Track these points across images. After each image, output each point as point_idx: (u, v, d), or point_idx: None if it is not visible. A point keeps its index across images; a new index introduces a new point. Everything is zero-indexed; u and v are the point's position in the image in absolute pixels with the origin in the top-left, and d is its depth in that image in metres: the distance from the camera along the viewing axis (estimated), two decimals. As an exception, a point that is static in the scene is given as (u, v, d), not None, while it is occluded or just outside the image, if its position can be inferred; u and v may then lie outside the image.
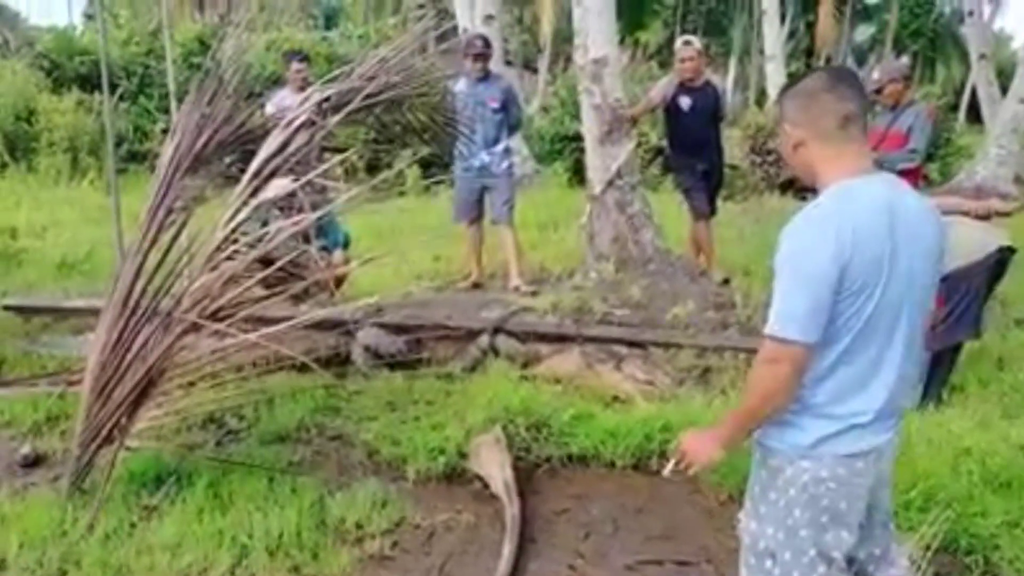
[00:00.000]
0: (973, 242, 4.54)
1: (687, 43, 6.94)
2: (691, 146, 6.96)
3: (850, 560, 2.19)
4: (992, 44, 19.47)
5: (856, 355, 2.02)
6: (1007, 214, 4.74)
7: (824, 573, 2.10)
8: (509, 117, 6.80)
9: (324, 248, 6.08)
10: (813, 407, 2.06)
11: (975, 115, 20.23)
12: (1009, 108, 14.54)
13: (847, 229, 1.94)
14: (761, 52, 17.88)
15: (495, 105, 6.68)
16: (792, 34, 30.90)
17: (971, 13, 16.44)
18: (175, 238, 3.84)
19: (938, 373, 4.66)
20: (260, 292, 3.81)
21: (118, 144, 11.79)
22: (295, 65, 7.30)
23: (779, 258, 2.01)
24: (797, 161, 2.13)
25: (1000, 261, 4.66)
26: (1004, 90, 15.37)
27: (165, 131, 10.98)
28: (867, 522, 2.19)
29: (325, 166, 4.27)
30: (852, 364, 2.02)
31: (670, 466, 2.27)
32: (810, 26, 32.89)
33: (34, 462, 4.17)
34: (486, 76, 6.80)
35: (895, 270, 1.98)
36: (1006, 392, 4.81)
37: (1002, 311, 6.37)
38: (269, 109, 6.44)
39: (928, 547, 3.12)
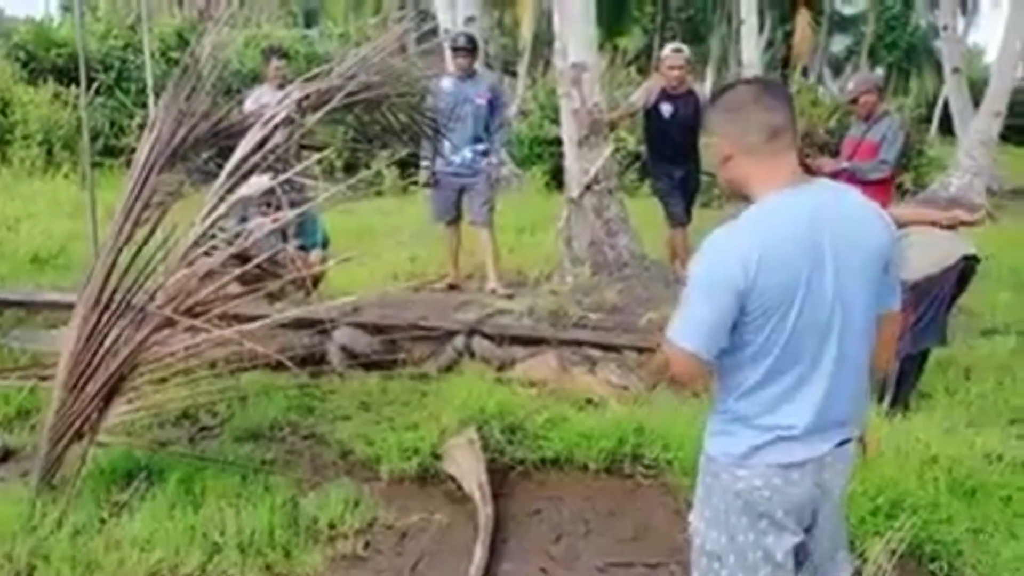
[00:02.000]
0: (940, 251, 4.61)
1: (677, 51, 6.97)
2: (670, 153, 7.02)
3: (799, 561, 2.20)
4: (965, 58, 19.74)
5: (784, 370, 2.02)
6: (972, 224, 4.81)
7: (769, 574, 2.12)
8: (495, 114, 6.81)
9: (302, 247, 6.07)
10: (743, 418, 2.08)
11: (948, 127, 20.48)
12: (981, 121, 14.78)
13: (755, 250, 1.93)
14: (739, 61, 18.01)
15: (481, 102, 6.69)
16: (770, 44, 31.16)
17: (945, 27, 16.68)
18: (150, 233, 3.81)
19: (906, 380, 4.72)
20: (236, 289, 3.80)
21: (94, 138, 11.68)
22: (274, 62, 7.30)
23: (691, 269, 2.04)
24: (726, 174, 2.12)
25: (964, 270, 4.73)
26: (976, 103, 15.60)
27: (142, 126, 10.89)
28: (812, 531, 2.20)
29: (303, 164, 4.26)
30: (780, 378, 2.03)
31: None
32: (788, 36, 33.16)
33: (4, 456, 4.13)
34: (472, 74, 6.80)
35: (819, 286, 1.97)
36: (972, 401, 4.89)
37: (968, 322, 6.46)
38: (248, 105, 6.41)
39: (894, 553, 3.17)
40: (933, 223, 4.70)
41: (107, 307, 3.66)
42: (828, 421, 2.08)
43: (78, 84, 7.00)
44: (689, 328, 2.04)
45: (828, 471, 2.12)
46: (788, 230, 1.97)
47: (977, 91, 16.63)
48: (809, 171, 2.24)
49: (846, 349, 2.04)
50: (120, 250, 3.76)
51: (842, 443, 2.14)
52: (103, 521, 3.47)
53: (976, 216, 4.76)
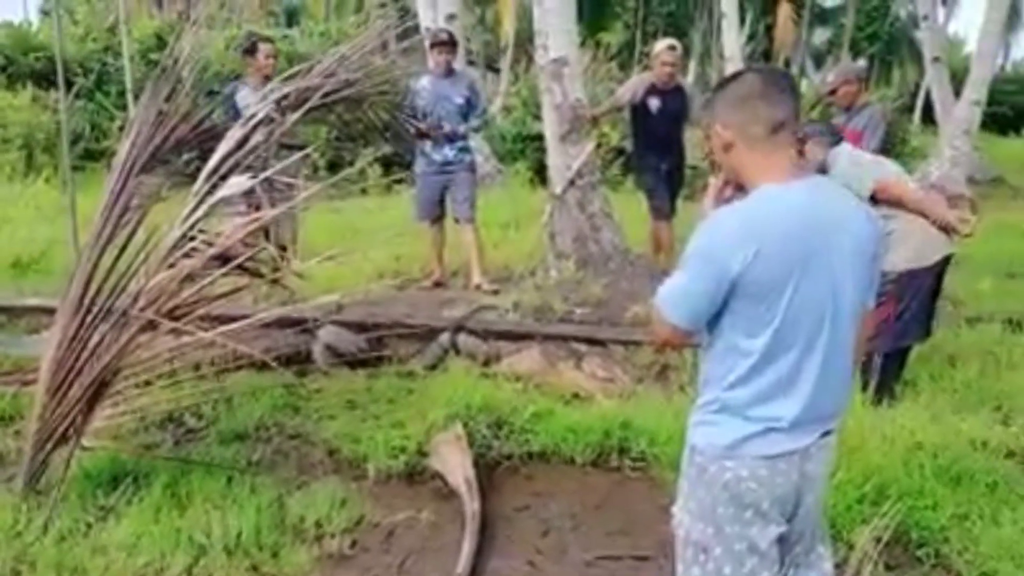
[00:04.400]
0: (926, 246, 4.61)
1: (672, 47, 6.96)
2: (656, 147, 7.03)
3: (783, 548, 2.22)
4: (946, 48, 19.85)
5: (775, 360, 2.03)
6: (967, 235, 4.76)
7: (755, 564, 2.13)
8: (474, 113, 6.81)
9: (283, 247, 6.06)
10: (732, 408, 2.09)
11: (929, 116, 20.58)
12: (962, 110, 14.85)
13: (753, 239, 1.96)
14: (721, 55, 18.06)
15: (460, 101, 6.68)
16: (751, 37, 31.27)
17: (926, 17, 16.75)
18: (131, 236, 3.79)
19: (889, 371, 4.74)
20: (218, 290, 3.78)
21: (74, 141, 11.63)
22: (264, 47, 6.74)
23: (687, 248, 2.07)
24: (726, 162, 2.15)
25: (943, 267, 4.76)
26: (957, 93, 15.68)
27: (122, 128, 10.83)
28: (794, 521, 2.21)
29: (285, 163, 4.25)
30: (769, 369, 2.04)
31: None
32: (769, 29, 33.29)
33: (-13, 462, 4.10)
34: (450, 72, 6.80)
35: (811, 278, 1.99)
36: (957, 388, 4.91)
37: (954, 310, 6.50)
38: (243, 95, 6.31)
39: (880, 540, 3.18)
40: (924, 214, 4.63)
41: (89, 311, 3.64)
42: (815, 413, 2.09)
43: (57, 88, 6.94)
44: (676, 297, 2.08)
45: (811, 462, 2.13)
46: (785, 223, 2.00)
47: (958, 80, 16.73)
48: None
49: (834, 342, 2.06)
50: (101, 253, 3.74)
51: (825, 434, 2.15)
52: (89, 526, 3.45)
53: (970, 228, 4.70)
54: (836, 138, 4.79)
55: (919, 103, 26.75)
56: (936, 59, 16.41)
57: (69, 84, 11.30)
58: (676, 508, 2.28)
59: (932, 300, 4.81)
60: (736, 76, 2.20)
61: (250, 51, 6.82)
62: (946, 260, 4.71)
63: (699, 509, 2.18)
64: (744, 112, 2.07)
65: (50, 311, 3.94)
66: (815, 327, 2.03)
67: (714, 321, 2.09)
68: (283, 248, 6.12)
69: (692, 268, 2.05)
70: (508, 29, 25.99)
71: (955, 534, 3.43)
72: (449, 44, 6.76)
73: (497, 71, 26.00)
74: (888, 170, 4.73)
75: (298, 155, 4.72)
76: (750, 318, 2.02)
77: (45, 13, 21.87)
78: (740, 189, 2.15)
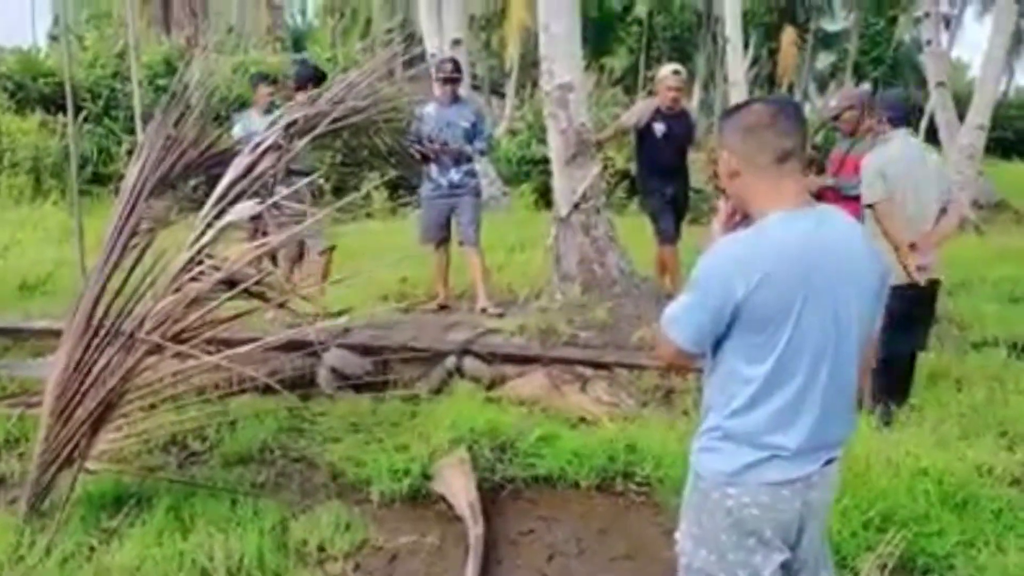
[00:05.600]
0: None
1: (676, 72, 7.00)
2: (661, 171, 7.05)
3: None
4: (950, 72, 19.91)
5: (778, 388, 2.04)
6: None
7: None
8: (478, 138, 6.85)
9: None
10: (735, 436, 2.09)
11: (933, 141, 20.61)
12: (966, 135, 14.88)
13: (758, 266, 1.97)
14: (725, 79, 18.14)
15: (465, 125, 6.74)
16: (755, 61, 31.40)
17: (929, 42, 16.80)
18: (138, 259, 3.82)
19: (886, 379, 4.77)
20: (224, 314, 3.80)
21: (82, 166, 11.70)
22: (262, 88, 7.35)
23: (694, 271, 2.09)
24: (732, 189, 2.16)
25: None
26: (961, 117, 15.71)
27: (130, 153, 10.91)
28: (797, 550, 2.20)
29: (291, 188, 4.28)
30: (774, 398, 2.05)
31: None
32: (772, 53, 33.46)
33: (-8, 485, 4.11)
34: (456, 99, 6.86)
35: (815, 308, 2.00)
36: (964, 413, 4.88)
37: (960, 334, 6.49)
38: (237, 132, 6.45)
39: (885, 566, 3.17)
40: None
41: (95, 334, 3.66)
42: (819, 442, 2.09)
43: (66, 112, 7.01)
44: (681, 319, 2.10)
45: (815, 490, 2.13)
46: (791, 251, 2.01)
47: (962, 105, 16.75)
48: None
49: (837, 372, 2.07)
50: (109, 277, 3.76)
51: (828, 462, 2.15)
52: (92, 548, 3.45)
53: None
54: (901, 114, 4.96)
55: (923, 127, 26.81)
56: (940, 84, 16.45)
57: (78, 109, 11.38)
58: (679, 534, 2.28)
59: (916, 322, 4.87)
60: (744, 105, 2.22)
61: (254, 85, 7.68)
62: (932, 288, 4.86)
63: (702, 535, 2.18)
64: (752, 141, 2.09)
65: (56, 333, 3.95)
66: (818, 356, 2.04)
67: (717, 347, 2.10)
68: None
69: (697, 292, 2.07)
70: (513, 53, 26.21)
71: (960, 561, 3.40)
72: (455, 78, 6.84)
73: (502, 95, 26.16)
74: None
75: (305, 180, 4.74)
76: (752, 345, 2.03)
77: (54, 38, 22.06)
78: (746, 217, 2.16)
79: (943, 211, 4.85)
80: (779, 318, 2.00)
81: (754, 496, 2.08)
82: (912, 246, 4.70)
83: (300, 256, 7.01)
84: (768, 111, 2.11)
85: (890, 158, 4.82)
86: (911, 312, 4.71)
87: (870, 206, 4.79)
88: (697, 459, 2.19)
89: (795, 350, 2.01)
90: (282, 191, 4.28)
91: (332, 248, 6.87)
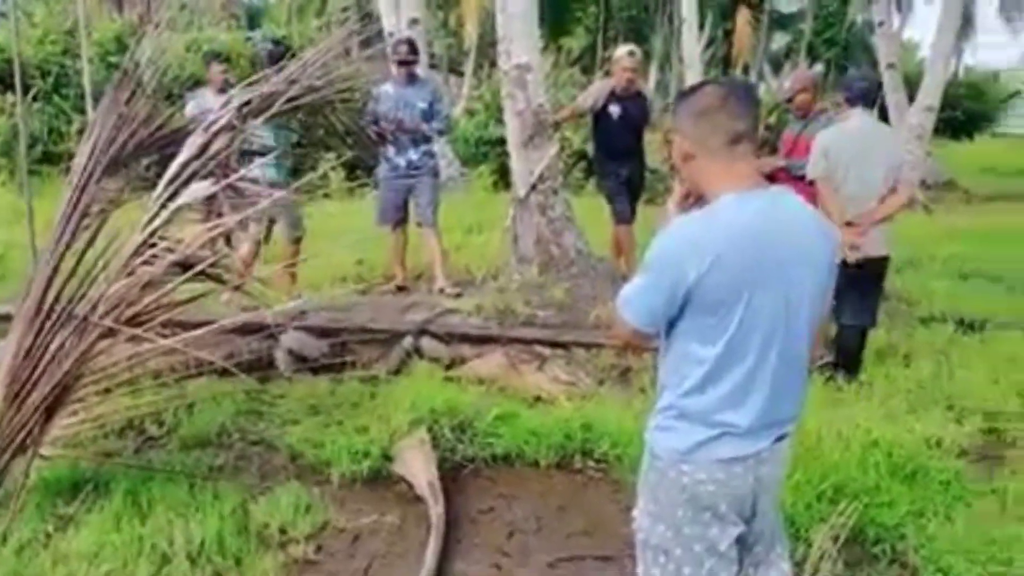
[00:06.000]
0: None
1: (631, 53, 7.02)
2: (617, 153, 7.09)
3: (742, 549, 2.27)
4: (900, 54, 20.19)
5: (729, 368, 2.08)
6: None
7: (714, 565, 2.18)
8: (436, 119, 6.83)
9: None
10: (689, 415, 2.13)
11: (883, 121, 20.91)
12: (915, 115, 15.15)
13: (710, 249, 2.00)
14: (680, 59, 18.23)
15: (423, 106, 6.71)
16: (711, 42, 31.52)
17: (881, 23, 17.03)
18: (91, 242, 3.76)
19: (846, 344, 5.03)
20: (179, 296, 3.76)
21: (32, 145, 11.46)
22: (215, 67, 7.23)
23: (648, 253, 2.12)
24: (686, 171, 2.18)
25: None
26: (911, 98, 15.98)
27: (81, 132, 10.70)
28: (752, 523, 2.25)
29: (247, 169, 4.24)
30: (725, 377, 2.08)
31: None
32: (728, 34, 33.62)
33: (-57, 473, 4.03)
34: (413, 79, 6.83)
35: (766, 289, 2.03)
36: (912, 388, 5.01)
37: (908, 309, 6.64)
38: (190, 110, 6.35)
39: (837, 538, 3.26)
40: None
41: (48, 317, 3.60)
42: (770, 419, 2.14)
43: (14, 91, 6.86)
44: (635, 300, 2.14)
45: (766, 465, 2.18)
46: (744, 234, 2.03)
47: (912, 85, 17.03)
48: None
49: (788, 352, 2.11)
50: (60, 259, 3.70)
51: (779, 439, 2.20)
52: (49, 535, 3.42)
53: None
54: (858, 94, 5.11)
55: (874, 108, 27.13)
56: (891, 65, 16.69)
57: (26, 87, 11.12)
58: (636, 511, 2.32)
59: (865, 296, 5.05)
60: (697, 87, 2.22)
61: (207, 63, 7.59)
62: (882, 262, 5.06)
63: (658, 512, 2.22)
64: (705, 124, 2.10)
65: (7, 317, 3.88)
66: (769, 336, 2.07)
67: (670, 328, 2.13)
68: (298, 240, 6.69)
69: (651, 273, 2.10)
70: (471, 32, 26.01)
71: (911, 531, 3.51)
72: (411, 60, 6.79)
73: (460, 74, 25.99)
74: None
75: (260, 161, 4.69)
76: (705, 327, 2.06)
77: (2, 15, 21.48)
78: (700, 199, 2.19)
79: (893, 190, 4.95)
80: (731, 300, 2.03)
81: (709, 472, 2.12)
82: (849, 224, 4.84)
83: (267, 238, 6.95)
84: (720, 93, 2.13)
85: (835, 137, 5.01)
86: (855, 288, 4.84)
87: (811, 183, 4.99)
88: (652, 437, 2.23)
89: (746, 331, 2.05)
90: (240, 171, 4.23)
91: (300, 239, 6.84)
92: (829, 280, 2.22)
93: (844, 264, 4.51)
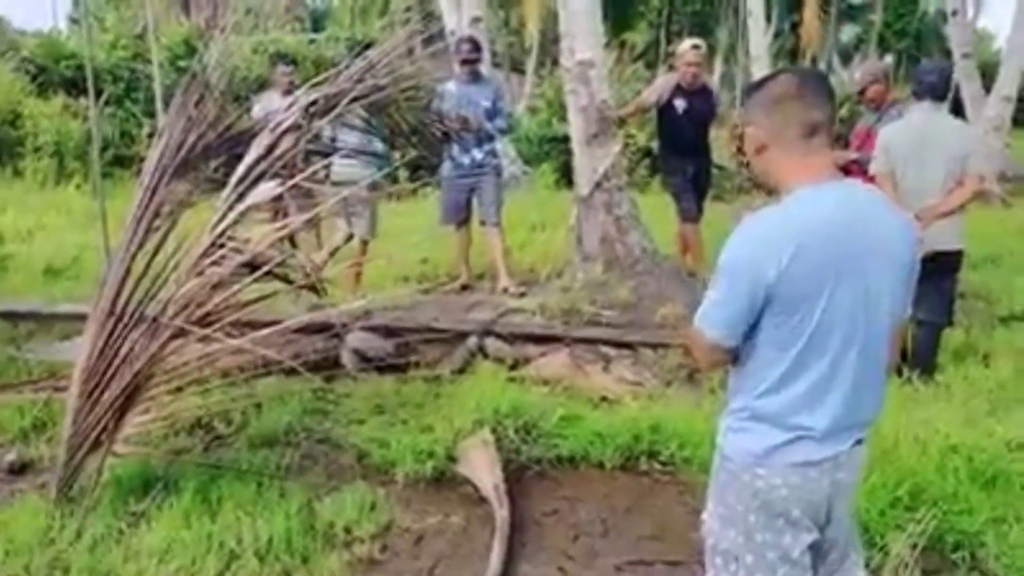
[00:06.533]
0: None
1: (696, 47, 6.93)
2: (682, 148, 7.00)
3: (816, 557, 2.19)
4: (975, 43, 19.58)
5: (806, 368, 2.00)
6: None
7: (787, 572, 2.11)
8: (499, 117, 6.81)
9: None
10: (764, 417, 2.05)
11: (959, 112, 20.28)
12: (992, 106, 14.65)
13: (789, 244, 1.92)
14: (747, 52, 17.91)
15: (486, 104, 6.70)
16: (778, 34, 30.98)
17: (955, 13, 16.49)
18: (161, 243, 3.83)
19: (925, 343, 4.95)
20: (247, 296, 3.81)
21: (104, 148, 11.76)
22: (281, 68, 7.34)
23: (720, 259, 2.03)
24: (759, 164, 2.11)
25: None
26: (987, 88, 15.46)
27: (151, 135, 10.95)
28: (826, 530, 2.18)
29: (312, 168, 4.27)
30: (802, 377, 2.01)
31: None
32: (795, 26, 32.99)
33: (21, 468, 4.15)
34: (476, 77, 6.82)
35: (846, 284, 1.96)
36: (992, 389, 4.84)
37: (987, 308, 6.41)
38: (256, 112, 6.45)
39: (915, 545, 3.15)
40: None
41: (120, 318, 3.68)
42: (848, 422, 2.06)
43: (87, 95, 7.04)
44: (712, 313, 2.05)
45: (842, 470, 2.10)
46: (822, 227, 1.95)
47: (988, 76, 16.48)
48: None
49: (868, 351, 2.03)
50: (132, 260, 3.77)
51: (857, 442, 2.12)
52: (121, 532, 3.48)
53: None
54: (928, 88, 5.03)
55: (949, 99, 26.38)
56: (966, 55, 16.15)
57: (99, 91, 11.42)
58: (706, 515, 2.26)
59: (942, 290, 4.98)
60: (771, 77, 2.15)
61: (273, 65, 7.96)
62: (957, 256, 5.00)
63: (730, 516, 2.16)
64: (779, 114, 2.03)
65: (82, 317, 3.97)
66: (848, 335, 1.99)
67: (747, 333, 2.06)
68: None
69: (725, 280, 2.02)
70: (533, 30, 26.00)
71: (991, 538, 3.37)
72: (474, 59, 6.79)
73: (522, 72, 26.01)
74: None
75: (325, 161, 4.73)
76: (782, 325, 1.99)
77: (74, 21, 22.10)
78: (770, 193, 2.12)
79: (960, 182, 4.85)
80: (812, 295, 1.95)
81: (784, 477, 2.05)
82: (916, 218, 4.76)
83: (320, 243, 7.04)
84: (795, 82, 2.06)
85: (895, 132, 4.97)
86: (927, 283, 4.70)
87: (872, 177, 4.92)
88: (725, 439, 2.16)
89: (826, 328, 1.97)
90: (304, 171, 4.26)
91: (367, 241, 6.92)
92: (910, 277, 2.13)
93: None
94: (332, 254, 6.72)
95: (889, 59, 31.11)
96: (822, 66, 30.77)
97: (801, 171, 2.02)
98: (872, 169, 4.95)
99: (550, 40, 22.56)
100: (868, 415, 2.14)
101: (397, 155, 6.49)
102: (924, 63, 5.51)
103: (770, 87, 2.09)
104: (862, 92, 5.87)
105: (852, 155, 5.74)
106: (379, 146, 5.98)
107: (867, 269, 1.99)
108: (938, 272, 4.83)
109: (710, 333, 2.06)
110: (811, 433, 2.03)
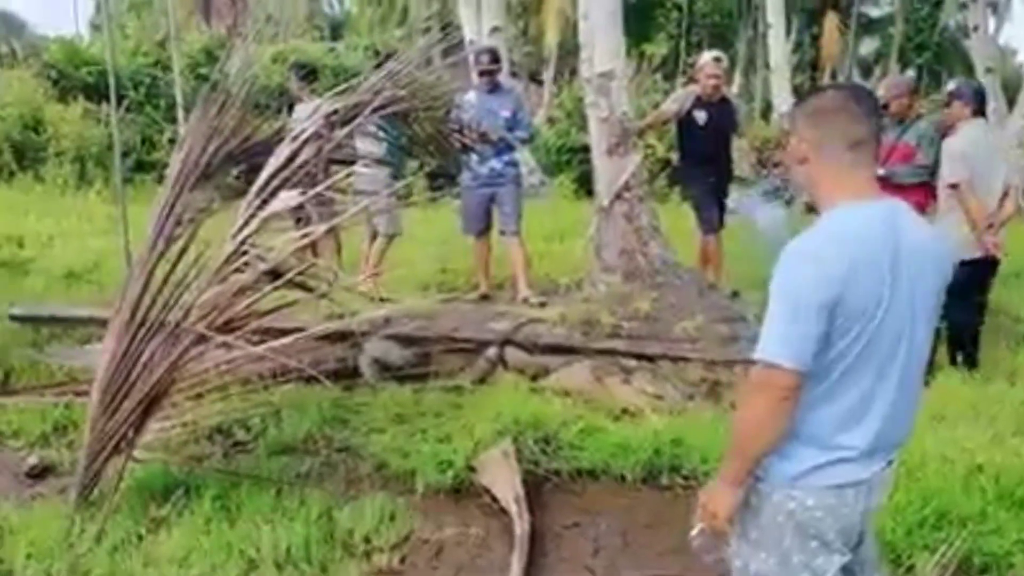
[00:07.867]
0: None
1: (716, 59, 6.91)
2: (703, 160, 6.97)
3: None
4: (997, 58, 19.47)
5: (848, 387, 1.96)
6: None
7: None
8: (519, 127, 6.81)
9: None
10: (801, 437, 2.00)
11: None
12: (1016, 122, 14.54)
13: (842, 262, 1.87)
14: (766, 65, 17.89)
15: (506, 114, 6.70)
16: (797, 47, 30.93)
17: (976, 28, 16.42)
18: (183, 250, 3.83)
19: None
20: (268, 304, 3.80)
21: (125, 154, 11.84)
22: (296, 84, 7.55)
23: (773, 286, 1.95)
24: (801, 175, 2.08)
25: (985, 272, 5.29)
26: (1010, 103, 15.37)
27: (172, 141, 11.02)
28: (859, 551, 2.14)
29: (334, 179, 4.26)
30: (843, 396, 1.96)
31: (696, 530, 2.20)
32: (815, 39, 32.91)
33: (41, 473, 4.16)
34: (496, 87, 6.82)
35: (893, 303, 1.92)
36: (1018, 408, 4.77)
37: (1013, 325, 6.34)
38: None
39: (945, 567, 3.10)
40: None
41: (142, 324, 3.68)
42: (885, 442, 2.03)
43: (108, 101, 7.09)
44: (783, 344, 1.91)
45: (875, 494, 2.08)
46: (871, 244, 1.92)
47: (1010, 91, 16.39)
48: None
49: (908, 369, 2.00)
50: (154, 266, 3.78)
51: (888, 463, 2.09)
52: (140, 537, 3.48)
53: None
54: (980, 104, 5.41)
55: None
56: (989, 70, 16.06)
57: (120, 97, 11.49)
58: (733, 538, 2.19)
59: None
60: (818, 91, 2.18)
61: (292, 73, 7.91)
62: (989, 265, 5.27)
63: (761, 538, 2.11)
64: (824, 126, 2.02)
65: (103, 322, 3.98)
66: (890, 353, 1.96)
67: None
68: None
69: (789, 303, 1.91)
70: (551, 41, 26.03)
71: (1020, 559, 3.31)
72: (493, 69, 6.79)
73: (540, 82, 26.03)
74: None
75: (346, 170, 4.72)
76: (837, 342, 1.92)
77: (96, 27, 22.32)
78: (811, 211, 2.09)
79: (1005, 195, 5.19)
80: (869, 311, 1.90)
81: (819, 499, 2.01)
82: (990, 226, 5.12)
83: (339, 248, 7.05)
84: (840, 96, 2.05)
85: (971, 141, 5.22)
86: (969, 285, 4.97)
87: (954, 185, 5.16)
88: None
89: (873, 348, 1.93)
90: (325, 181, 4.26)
91: (393, 236, 6.99)
92: (943, 292, 2.09)
93: (962, 262, 4.62)
94: (378, 262, 6.80)
95: (911, 73, 30.94)
96: (841, 79, 30.64)
97: (843, 186, 2.00)
98: (953, 177, 5.17)
99: (568, 50, 22.60)
100: (902, 435, 2.10)
101: (415, 164, 6.50)
102: (967, 83, 5.79)
103: (815, 100, 2.10)
104: (885, 106, 5.82)
105: (880, 170, 5.69)
106: (395, 153, 6.01)
107: (912, 286, 1.96)
108: (985, 276, 5.29)
109: (789, 366, 1.89)
110: (851, 454, 1.99)
